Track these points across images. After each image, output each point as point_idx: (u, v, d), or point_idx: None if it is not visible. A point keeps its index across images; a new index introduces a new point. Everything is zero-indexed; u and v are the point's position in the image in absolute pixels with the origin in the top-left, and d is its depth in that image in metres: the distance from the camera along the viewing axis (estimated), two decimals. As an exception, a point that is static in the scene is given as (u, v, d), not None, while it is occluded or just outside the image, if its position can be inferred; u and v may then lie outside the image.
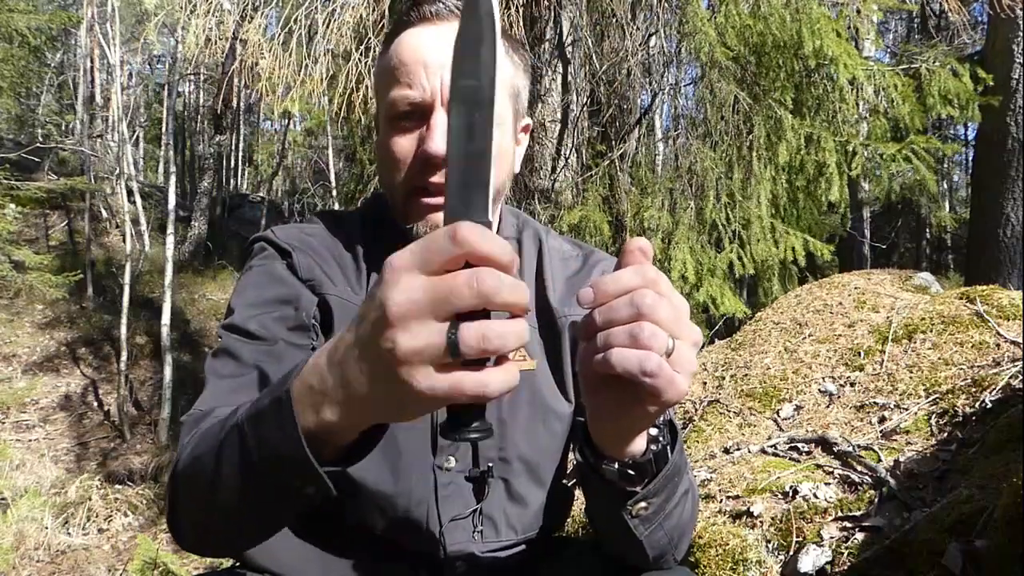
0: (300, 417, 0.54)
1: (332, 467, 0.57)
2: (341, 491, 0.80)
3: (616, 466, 0.66)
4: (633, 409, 0.57)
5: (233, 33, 4.02)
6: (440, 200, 0.84)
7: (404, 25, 0.86)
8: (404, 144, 0.85)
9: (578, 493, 1.03)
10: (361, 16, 3.75)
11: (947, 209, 14.14)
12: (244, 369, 0.81)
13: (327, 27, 3.74)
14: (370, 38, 3.74)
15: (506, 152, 0.89)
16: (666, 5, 4.16)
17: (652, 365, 0.51)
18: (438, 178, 0.83)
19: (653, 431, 0.67)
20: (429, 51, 0.83)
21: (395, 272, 0.46)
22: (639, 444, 0.65)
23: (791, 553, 1.43)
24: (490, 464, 0.86)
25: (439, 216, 0.84)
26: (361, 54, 3.70)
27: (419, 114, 0.83)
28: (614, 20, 4.13)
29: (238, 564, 0.89)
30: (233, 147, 17.47)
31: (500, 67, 0.86)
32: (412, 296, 0.45)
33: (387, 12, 3.77)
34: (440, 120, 0.82)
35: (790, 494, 1.57)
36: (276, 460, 0.57)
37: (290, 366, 0.80)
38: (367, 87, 3.66)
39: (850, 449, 1.68)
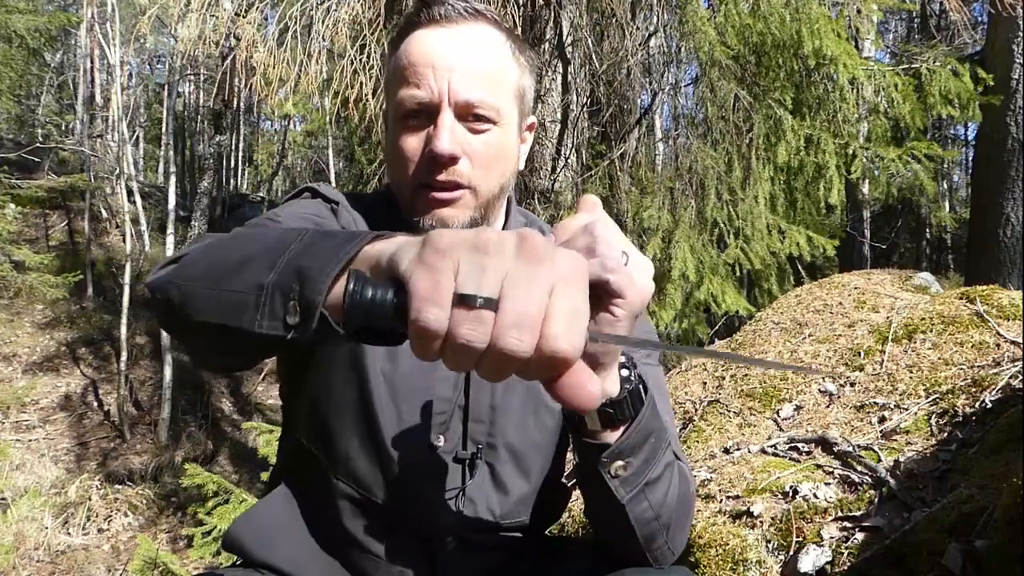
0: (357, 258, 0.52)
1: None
2: (339, 464, 0.81)
3: (596, 411, 0.69)
4: (601, 322, 0.60)
5: (228, 29, 4.02)
6: (446, 195, 0.86)
7: (413, 26, 0.88)
8: (412, 142, 0.86)
9: (576, 495, 1.03)
10: (357, 14, 3.75)
11: (947, 209, 14.13)
12: (272, 224, 0.81)
13: (323, 24, 3.74)
14: (366, 35, 3.73)
15: (511, 152, 0.92)
16: (666, 5, 4.16)
17: (612, 262, 0.58)
18: (444, 176, 0.86)
19: (624, 372, 0.70)
20: (437, 53, 0.85)
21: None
22: (613, 384, 0.68)
23: (791, 553, 1.43)
24: (479, 447, 0.88)
25: (445, 211, 0.87)
26: (357, 51, 3.70)
27: (427, 114, 0.85)
28: (614, 20, 4.13)
29: (238, 562, 0.90)
30: (233, 147, 17.48)
31: (507, 70, 0.89)
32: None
33: (383, 11, 3.77)
34: (447, 120, 0.84)
35: (790, 494, 1.57)
36: (296, 268, 0.54)
37: None
38: (362, 85, 3.66)
39: (850, 449, 1.68)
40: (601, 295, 0.59)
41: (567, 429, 0.75)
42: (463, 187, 0.86)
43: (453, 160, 0.85)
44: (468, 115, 0.85)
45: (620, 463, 0.71)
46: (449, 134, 0.84)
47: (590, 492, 0.79)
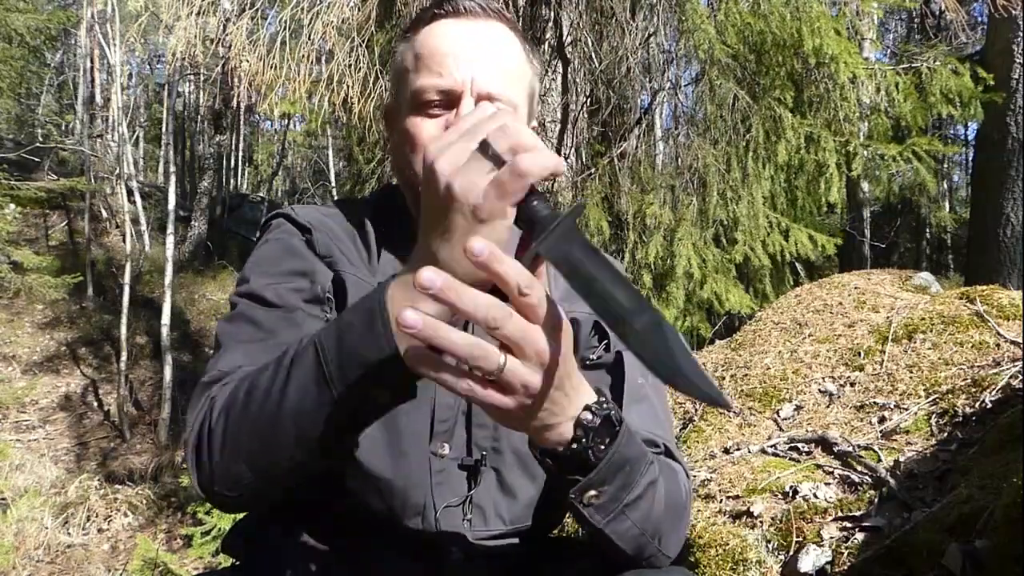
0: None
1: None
2: (343, 475, 0.82)
3: (540, 455, 0.66)
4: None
5: (223, 30, 4.04)
6: None
7: (434, 17, 0.88)
8: (429, 129, 0.86)
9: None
10: (347, 16, 3.77)
11: (947, 209, 14.14)
12: (263, 334, 0.82)
13: (311, 27, 3.74)
14: (355, 38, 3.75)
15: None
16: (665, 4, 4.15)
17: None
18: None
19: (587, 415, 0.65)
20: (462, 44, 0.85)
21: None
22: (565, 431, 0.64)
23: (791, 553, 1.43)
24: (484, 453, 0.87)
25: None
26: (346, 54, 3.71)
27: (447, 102, 0.85)
28: (614, 20, 4.12)
29: (238, 563, 0.90)
30: (233, 147, 17.47)
31: (523, 69, 0.89)
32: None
33: (373, 13, 3.78)
34: (469, 108, 0.83)
35: (790, 494, 1.57)
36: (359, 365, 0.64)
37: (309, 331, 0.79)
38: (348, 86, 3.67)
39: (850, 449, 1.68)
40: None
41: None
42: None
43: None
44: None
45: (592, 493, 0.68)
46: None
47: (571, 514, 0.76)
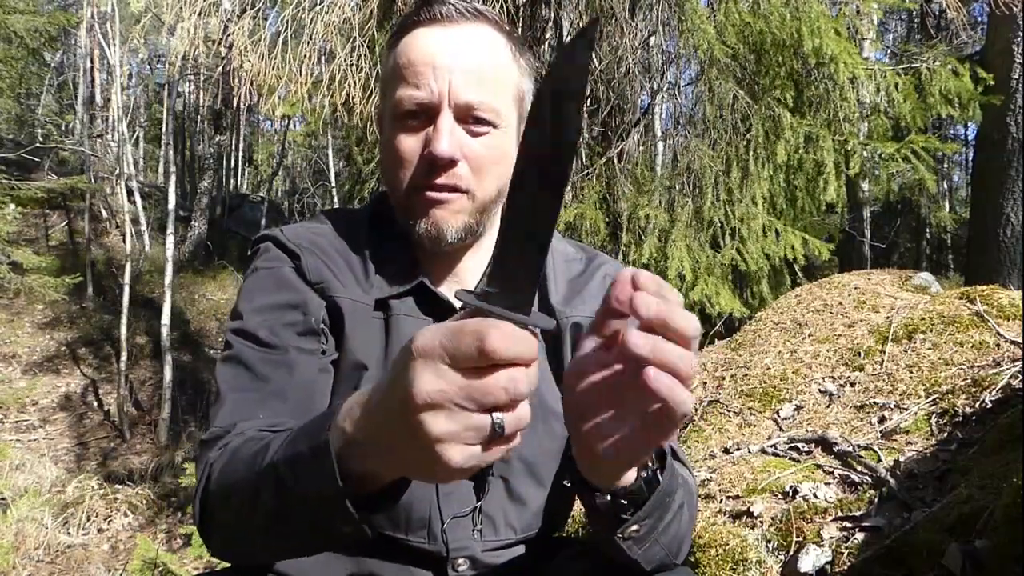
0: (341, 465, 0.56)
1: (368, 511, 0.59)
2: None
3: (608, 498, 0.66)
4: (640, 438, 0.57)
5: (224, 31, 4.04)
6: (442, 195, 0.84)
7: (413, 24, 0.87)
8: (409, 143, 0.85)
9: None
10: (348, 16, 3.77)
11: (947, 209, 14.14)
12: (257, 383, 0.81)
13: (312, 27, 3.75)
14: (356, 38, 3.75)
15: (509, 155, 0.89)
16: (665, 3, 4.15)
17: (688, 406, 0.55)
18: (443, 179, 0.84)
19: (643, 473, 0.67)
20: (438, 53, 0.83)
21: (422, 358, 0.48)
22: (630, 474, 0.65)
23: (791, 553, 1.43)
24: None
25: (440, 213, 0.84)
26: (348, 54, 3.71)
27: (425, 114, 0.84)
28: (614, 19, 4.12)
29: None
30: (233, 147, 17.46)
31: (508, 72, 0.87)
32: (443, 388, 0.47)
33: (374, 12, 3.78)
34: (446, 122, 0.82)
35: (790, 494, 1.57)
36: (316, 503, 0.59)
37: (302, 375, 0.81)
38: (350, 86, 3.67)
39: (850, 449, 1.68)
40: (651, 418, 0.56)
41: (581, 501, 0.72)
42: (460, 191, 0.85)
43: (452, 163, 0.83)
44: (468, 117, 0.84)
45: (634, 528, 0.68)
46: (448, 136, 0.82)
47: (600, 541, 0.75)
